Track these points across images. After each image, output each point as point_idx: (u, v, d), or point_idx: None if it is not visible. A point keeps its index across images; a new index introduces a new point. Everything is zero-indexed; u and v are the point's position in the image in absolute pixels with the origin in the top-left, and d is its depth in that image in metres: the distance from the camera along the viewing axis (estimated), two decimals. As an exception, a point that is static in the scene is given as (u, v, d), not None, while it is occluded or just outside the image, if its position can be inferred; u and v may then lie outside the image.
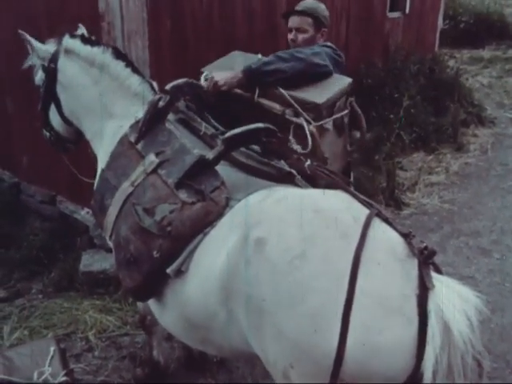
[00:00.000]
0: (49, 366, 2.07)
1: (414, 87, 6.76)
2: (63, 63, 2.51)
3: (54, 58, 2.52)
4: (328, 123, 2.34)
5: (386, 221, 1.64)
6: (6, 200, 4.84)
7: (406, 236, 1.58)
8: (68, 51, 2.48)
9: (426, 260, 1.51)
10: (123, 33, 3.49)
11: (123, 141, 2.26)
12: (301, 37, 2.86)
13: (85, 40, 2.48)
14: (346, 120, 2.49)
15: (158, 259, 1.93)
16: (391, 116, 6.12)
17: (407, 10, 7.74)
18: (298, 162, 2.04)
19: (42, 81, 2.65)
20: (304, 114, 2.27)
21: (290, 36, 2.88)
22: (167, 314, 2.08)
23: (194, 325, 1.94)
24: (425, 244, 1.53)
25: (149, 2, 3.63)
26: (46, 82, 2.61)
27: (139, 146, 2.18)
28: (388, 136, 6.04)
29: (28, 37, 2.55)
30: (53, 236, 4.33)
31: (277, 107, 2.31)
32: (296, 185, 1.96)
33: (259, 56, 2.66)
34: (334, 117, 2.37)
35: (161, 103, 2.22)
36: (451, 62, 9.29)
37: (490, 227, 4.74)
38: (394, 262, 1.52)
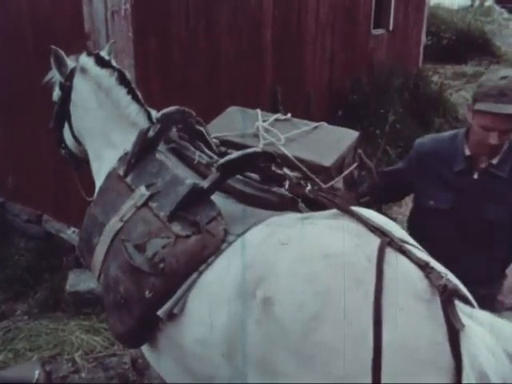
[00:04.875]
0: (34, 389, 2.02)
1: (398, 102, 6.83)
2: (77, 82, 2.44)
3: (70, 76, 2.47)
4: (338, 181, 2.25)
5: (400, 250, 1.47)
6: (-9, 220, 4.79)
7: (424, 268, 1.41)
8: (83, 70, 2.42)
9: (449, 300, 1.34)
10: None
11: (112, 175, 2.15)
12: (504, 138, 2.19)
13: (98, 60, 2.40)
14: (355, 174, 2.42)
15: (150, 300, 1.77)
16: (377, 131, 6.17)
17: (391, 27, 7.86)
18: (298, 186, 1.91)
19: (57, 98, 2.60)
20: (313, 176, 2.17)
21: (489, 140, 2.14)
22: (163, 361, 1.94)
23: (193, 376, 1.79)
24: (444, 280, 1.37)
25: (134, 21, 3.64)
26: (60, 100, 2.56)
27: (128, 179, 2.06)
28: (374, 151, 6.08)
29: (60, 52, 2.49)
30: (38, 256, 4.28)
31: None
32: (299, 211, 1.86)
33: (258, 111, 2.57)
34: (344, 174, 2.29)
35: (150, 133, 2.13)
36: (435, 77, 9.40)
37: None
38: (418, 304, 1.36)
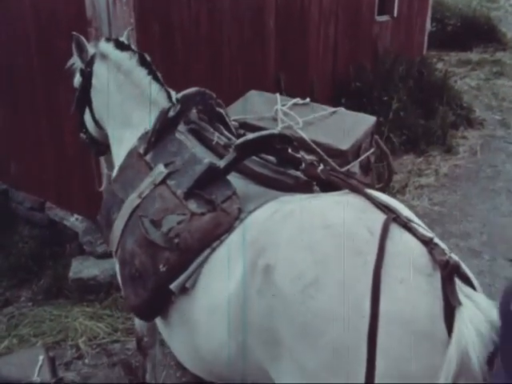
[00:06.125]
0: (38, 375, 2.05)
1: (402, 90, 6.78)
2: (98, 67, 2.48)
3: (90, 62, 2.51)
4: (354, 166, 2.28)
5: (405, 226, 1.48)
6: (-5, 207, 4.80)
7: (428, 244, 1.42)
8: (103, 55, 2.46)
9: (450, 275, 1.35)
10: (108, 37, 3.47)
11: (132, 153, 2.21)
12: None
13: (117, 44, 2.44)
14: (372, 159, 2.43)
15: (164, 273, 1.82)
16: (381, 119, 6.14)
17: (395, 14, 7.78)
18: (311, 167, 1.93)
19: (78, 83, 2.64)
20: (329, 160, 2.20)
21: None
22: (174, 336, 1.98)
23: (201, 354, 1.83)
24: (446, 256, 1.37)
25: (136, 7, 3.62)
26: (81, 86, 2.60)
27: (148, 157, 2.11)
28: (378, 139, 6.06)
29: (82, 38, 2.53)
30: (42, 243, 4.30)
31: None
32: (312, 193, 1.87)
33: (277, 95, 2.58)
34: (360, 159, 2.32)
35: (171, 113, 2.17)
36: (439, 65, 9.34)
37: (479, 229, 4.76)
38: (418, 278, 1.36)
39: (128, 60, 2.37)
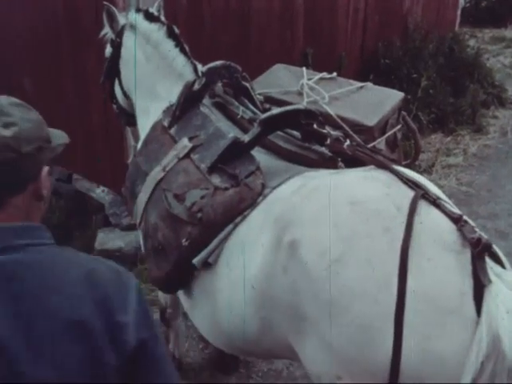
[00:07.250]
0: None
1: (432, 67, 6.62)
2: (127, 38, 2.48)
3: (120, 33, 2.51)
4: (380, 142, 2.25)
5: (434, 203, 1.46)
6: (23, 178, 4.87)
7: (458, 221, 1.40)
8: (132, 26, 2.45)
9: (481, 253, 1.32)
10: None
11: (156, 126, 2.21)
12: None
13: (147, 15, 2.43)
14: (398, 135, 2.40)
15: (186, 248, 1.83)
16: (409, 96, 6.01)
17: (428, -12, 7.57)
18: (337, 142, 1.91)
19: (109, 54, 2.65)
20: (355, 136, 2.17)
21: None
22: (196, 310, 2.00)
23: (222, 328, 1.84)
24: (478, 234, 1.35)
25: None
26: (111, 56, 2.61)
27: (172, 131, 2.11)
28: (405, 117, 5.94)
29: (112, 8, 2.52)
30: (68, 214, 4.35)
31: None
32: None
33: (303, 69, 2.55)
34: (386, 135, 2.29)
35: (196, 86, 2.16)
36: (472, 42, 9.07)
37: (507, 210, 4.66)
38: (447, 255, 1.34)
39: (156, 31, 2.36)
